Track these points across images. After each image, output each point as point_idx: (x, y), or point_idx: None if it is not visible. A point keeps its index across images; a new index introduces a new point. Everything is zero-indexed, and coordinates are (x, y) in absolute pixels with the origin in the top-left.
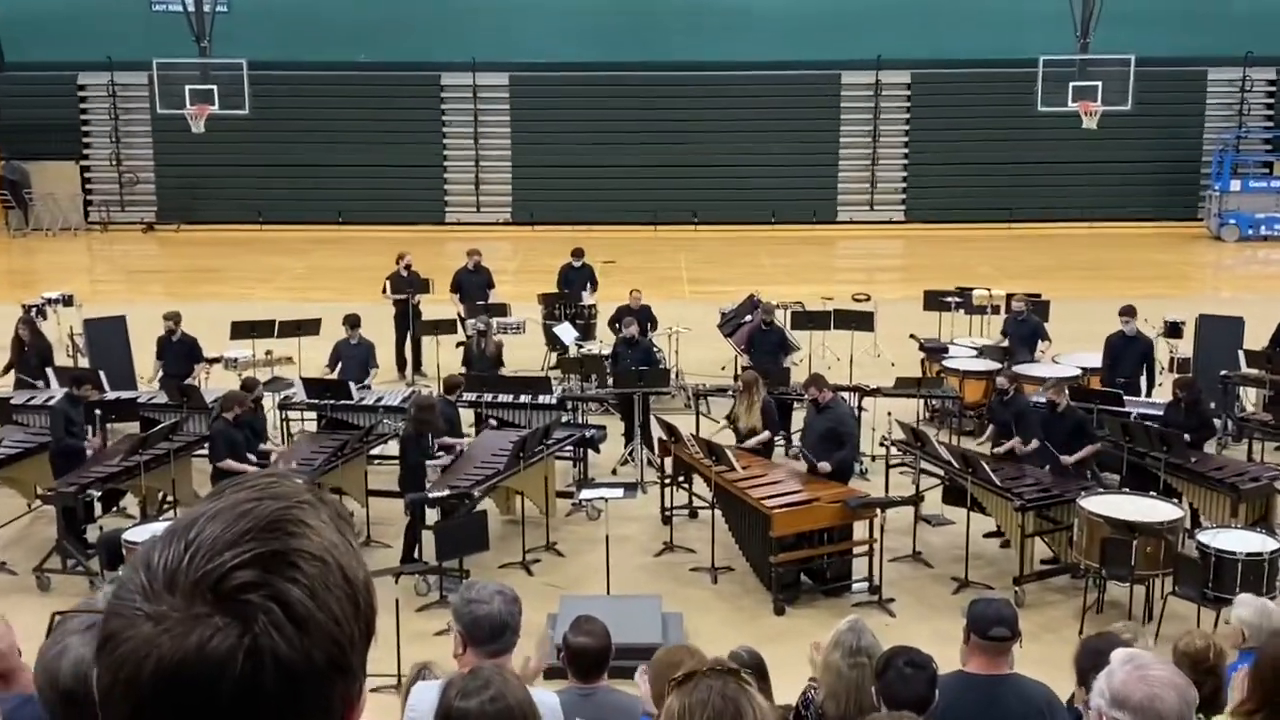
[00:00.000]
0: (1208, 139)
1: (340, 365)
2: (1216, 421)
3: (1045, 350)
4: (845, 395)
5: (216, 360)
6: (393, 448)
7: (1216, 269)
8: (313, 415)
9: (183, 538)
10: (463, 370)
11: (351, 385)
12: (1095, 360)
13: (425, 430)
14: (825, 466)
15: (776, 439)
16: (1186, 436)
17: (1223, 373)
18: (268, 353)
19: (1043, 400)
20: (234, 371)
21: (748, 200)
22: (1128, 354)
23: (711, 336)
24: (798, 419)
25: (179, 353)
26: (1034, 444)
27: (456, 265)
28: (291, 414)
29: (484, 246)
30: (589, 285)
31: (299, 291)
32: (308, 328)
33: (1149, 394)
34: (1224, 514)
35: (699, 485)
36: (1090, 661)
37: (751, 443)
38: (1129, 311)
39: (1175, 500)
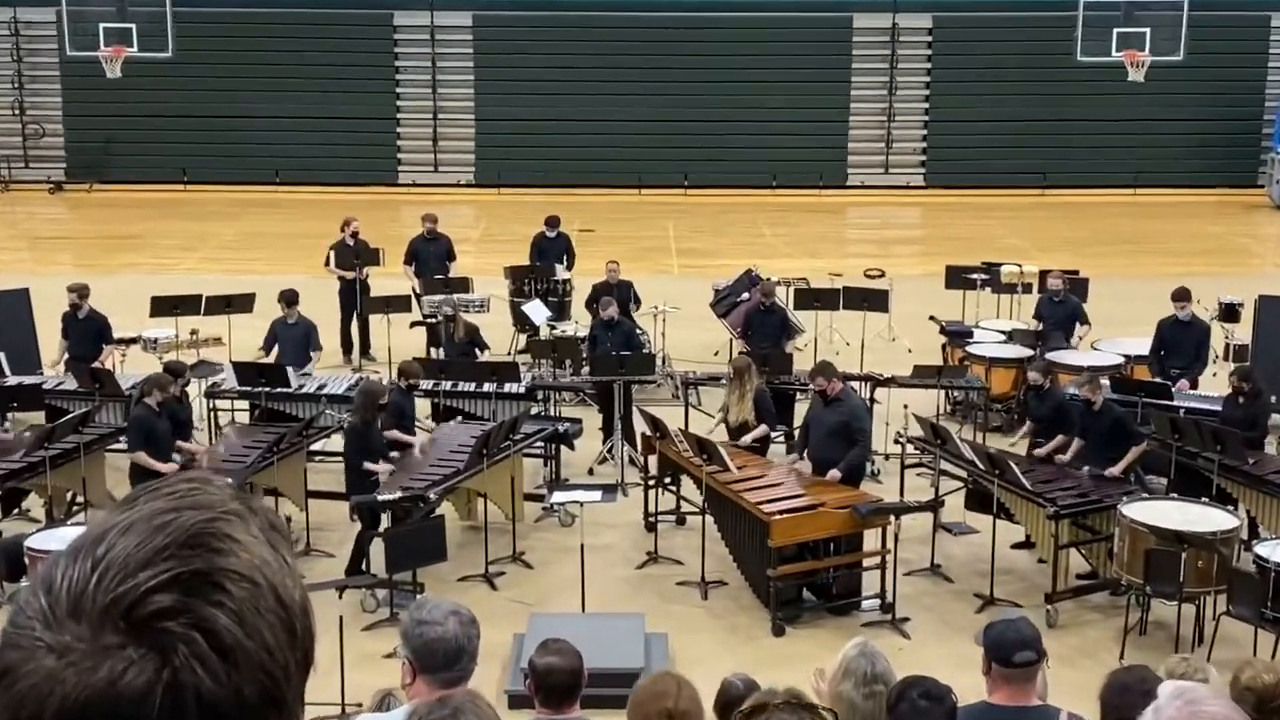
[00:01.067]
0: (1270, 94)
1: (276, 348)
2: (1277, 417)
3: (1084, 335)
4: (855, 385)
5: (133, 341)
6: (337, 443)
7: (1279, 242)
8: (244, 405)
9: (89, 555)
10: (428, 356)
11: (289, 371)
12: (1140, 347)
13: (372, 422)
14: (834, 475)
15: (775, 434)
16: (1243, 434)
17: None
18: (193, 333)
19: (1077, 395)
20: (153, 354)
21: (745, 162)
22: (1182, 341)
23: (703, 317)
24: (800, 412)
25: (85, 332)
26: (1077, 444)
27: (411, 233)
28: (220, 403)
29: (443, 212)
30: (565, 258)
31: (229, 262)
32: (239, 304)
33: (1193, 384)
34: None
35: (688, 487)
36: (1117, 698)
37: (747, 439)
38: (1183, 295)
39: (1230, 507)
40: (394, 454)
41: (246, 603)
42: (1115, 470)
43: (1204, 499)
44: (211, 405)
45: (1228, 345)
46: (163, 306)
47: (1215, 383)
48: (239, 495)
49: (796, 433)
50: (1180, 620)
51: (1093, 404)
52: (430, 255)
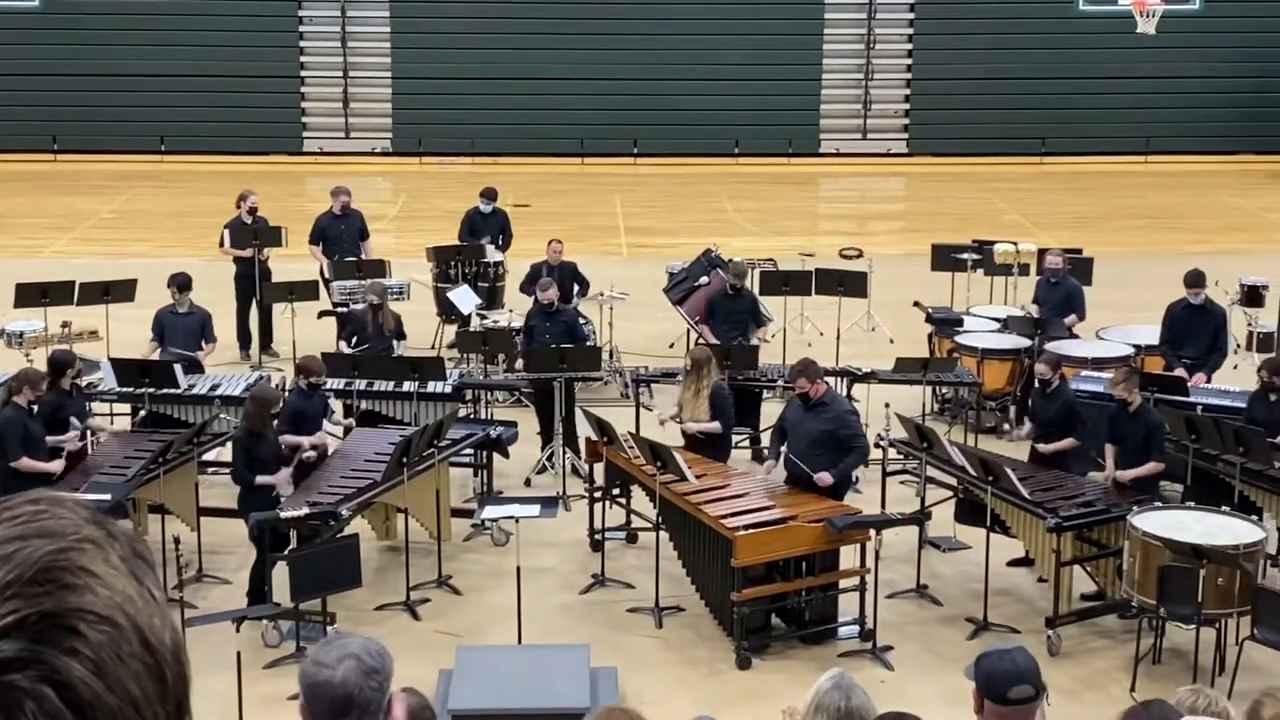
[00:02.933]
0: None
1: (164, 342)
2: None
3: (1073, 324)
4: (830, 381)
5: None
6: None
7: None
8: (125, 408)
9: None
10: (338, 349)
11: (178, 369)
12: (1151, 335)
13: (255, 430)
14: (825, 478)
15: (739, 437)
16: (1270, 436)
17: None
18: (64, 325)
19: (1096, 391)
20: (18, 350)
21: (703, 126)
22: (1195, 329)
23: (656, 304)
24: (768, 414)
25: None
26: (1068, 441)
27: (318, 209)
28: (98, 406)
29: (355, 184)
30: (500, 237)
31: (107, 243)
32: (118, 292)
33: (1209, 378)
34: None
35: (639, 500)
36: None
37: (695, 428)
38: (1197, 280)
39: (1254, 518)
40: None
41: (106, 649)
42: (1125, 475)
43: (1225, 508)
44: (87, 409)
45: (1251, 333)
46: (29, 295)
47: (1236, 376)
48: (95, 517)
49: (765, 436)
50: (1199, 646)
51: (1129, 405)
52: (341, 234)
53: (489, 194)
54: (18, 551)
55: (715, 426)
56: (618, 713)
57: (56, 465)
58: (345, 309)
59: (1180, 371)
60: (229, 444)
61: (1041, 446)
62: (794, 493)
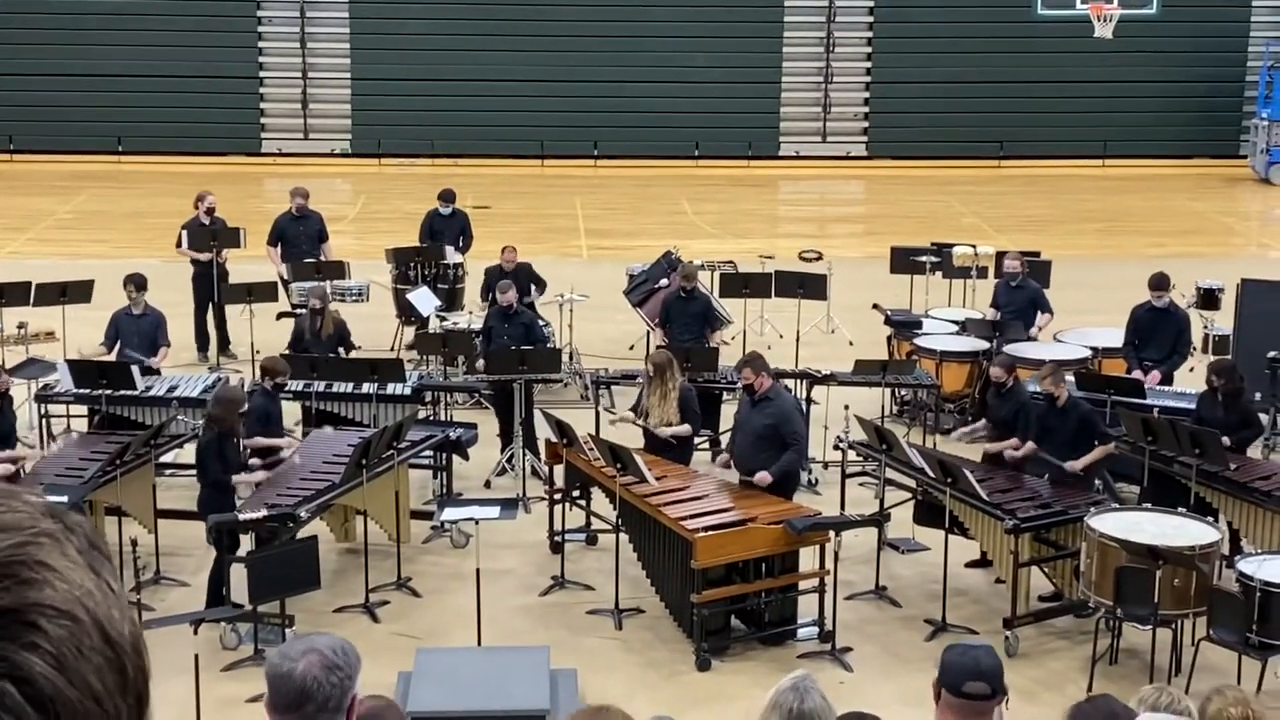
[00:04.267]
0: (1253, 52)
1: (120, 343)
2: (1264, 417)
3: (1045, 324)
4: (789, 384)
5: None
6: (190, 453)
7: (1264, 220)
8: (82, 410)
9: None
10: (287, 353)
11: (135, 371)
12: (1110, 338)
13: (227, 431)
14: (764, 477)
15: (699, 439)
16: (1225, 437)
17: (1271, 354)
18: (20, 326)
19: (1038, 390)
20: None
21: (664, 128)
22: (1158, 332)
23: (616, 306)
24: (727, 414)
25: None
26: (1029, 446)
27: (277, 210)
28: (54, 408)
29: (314, 185)
30: (461, 239)
31: (63, 244)
32: (75, 293)
33: (1164, 377)
34: (1273, 536)
35: (599, 502)
36: None
37: (668, 432)
38: (1161, 284)
39: (1210, 519)
40: (258, 461)
41: (66, 643)
42: (1076, 465)
43: (1181, 509)
44: (44, 411)
45: (1206, 336)
46: None
47: (1193, 378)
48: (51, 510)
49: (724, 438)
50: (1155, 647)
51: (1056, 399)
52: (300, 235)
53: (447, 195)
54: None
55: (686, 429)
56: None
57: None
58: (302, 310)
59: (1138, 372)
60: (186, 446)
61: (988, 447)
62: (753, 494)
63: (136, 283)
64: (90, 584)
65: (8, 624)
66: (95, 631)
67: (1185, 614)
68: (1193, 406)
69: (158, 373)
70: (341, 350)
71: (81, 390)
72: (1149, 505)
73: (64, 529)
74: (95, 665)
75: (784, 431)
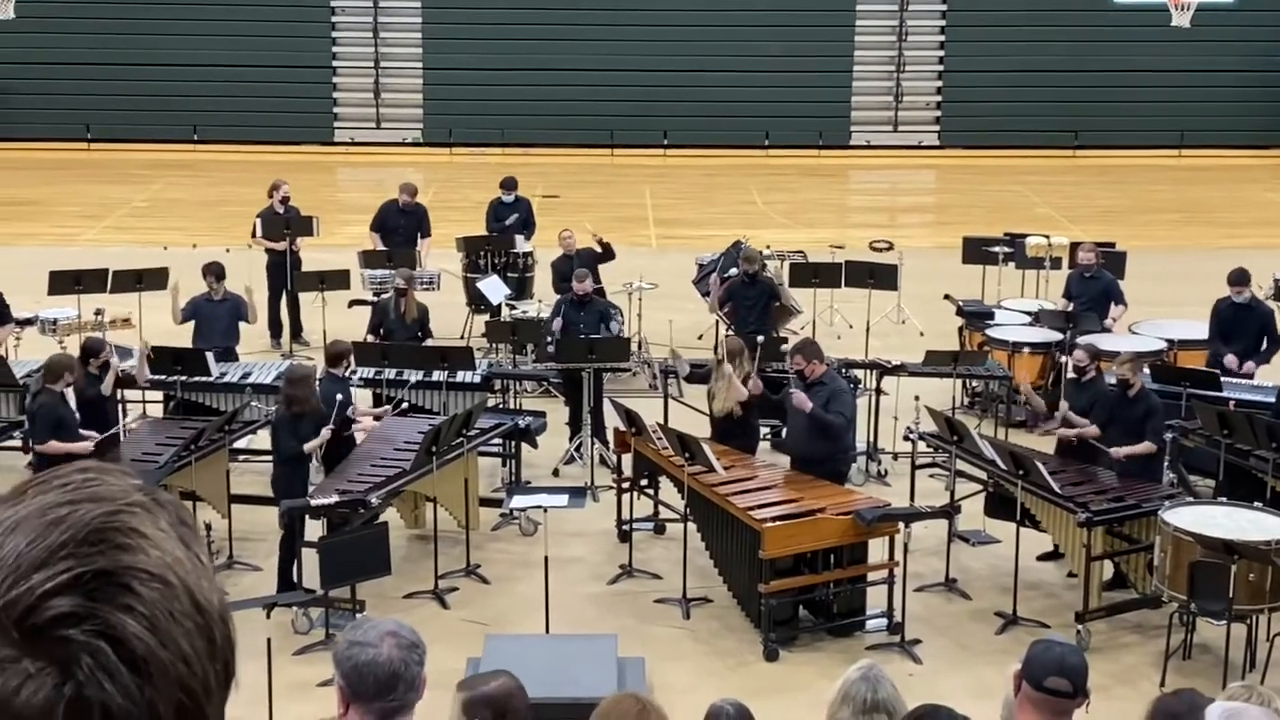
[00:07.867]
0: None
1: (200, 329)
2: None
3: (1119, 316)
4: (859, 374)
5: (28, 322)
6: (264, 439)
7: None
8: (157, 395)
9: None
10: (370, 339)
11: (210, 357)
12: (1185, 330)
13: (301, 410)
14: (803, 400)
15: (765, 429)
16: None
17: None
18: (97, 313)
19: (1112, 380)
20: (52, 337)
21: (734, 118)
22: (1241, 328)
23: (685, 296)
24: None
25: None
26: (1092, 429)
27: (350, 199)
28: (130, 393)
29: (387, 174)
30: (525, 227)
31: (140, 232)
32: (151, 280)
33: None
34: None
35: (667, 491)
36: None
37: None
38: (1241, 279)
39: None
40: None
41: (159, 606)
42: (1119, 452)
43: (1257, 504)
44: (120, 396)
45: None
46: (62, 282)
47: (1270, 371)
48: (142, 486)
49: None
50: (1229, 642)
51: (1130, 386)
52: (401, 226)
53: (509, 183)
54: (70, 514)
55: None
56: (626, 699)
57: (83, 446)
58: (376, 299)
59: (1231, 358)
60: (259, 432)
61: (1060, 432)
62: (821, 485)
63: (216, 273)
64: (180, 553)
65: (102, 586)
66: (186, 597)
67: (1260, 609)
68: (1271, 400)
69: (235, 358)
70: (420, 335)
71: (157, 375)
72: (1224, 499)
73: (154, 502)
74: (186, 629)
75: (832, 407)
